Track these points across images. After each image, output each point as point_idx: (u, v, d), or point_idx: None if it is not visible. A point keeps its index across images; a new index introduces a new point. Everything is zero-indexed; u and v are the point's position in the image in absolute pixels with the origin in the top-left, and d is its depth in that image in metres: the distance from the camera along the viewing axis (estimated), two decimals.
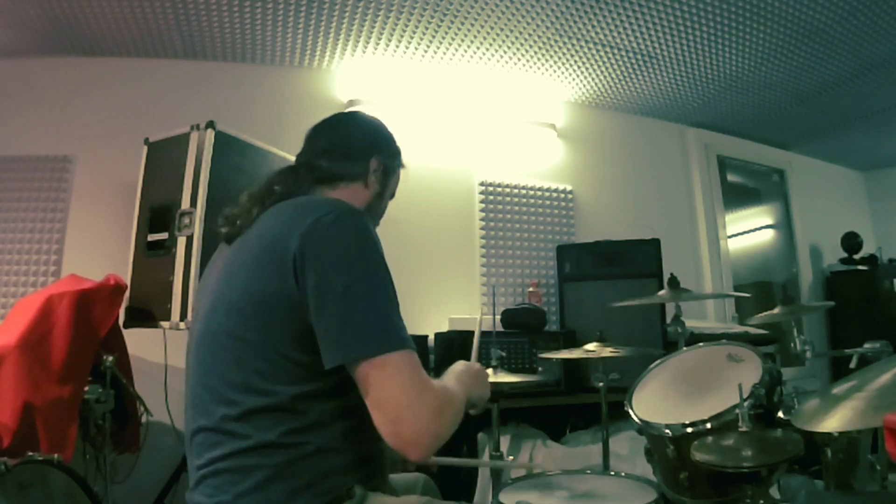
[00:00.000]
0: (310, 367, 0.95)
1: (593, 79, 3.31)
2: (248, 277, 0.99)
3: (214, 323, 1.02)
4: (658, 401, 1.57)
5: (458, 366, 1.19)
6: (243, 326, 0.97)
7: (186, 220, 2.07)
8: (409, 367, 0.93)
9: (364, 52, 2.92)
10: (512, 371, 2.18)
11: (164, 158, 2.24)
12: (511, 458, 1.83)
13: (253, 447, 0.94)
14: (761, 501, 1.22)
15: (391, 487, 1.15)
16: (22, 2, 2.36)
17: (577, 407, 2.73)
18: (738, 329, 3.08)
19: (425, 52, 2.95)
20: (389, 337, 0.93)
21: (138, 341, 2.26)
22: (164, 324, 2.06)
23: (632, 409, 1.55)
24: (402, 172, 1.34)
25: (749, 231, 4.34)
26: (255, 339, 0.96)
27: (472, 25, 2.75)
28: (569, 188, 3.50)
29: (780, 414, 1.34)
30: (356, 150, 1.22)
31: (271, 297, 0.95)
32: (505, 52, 2.99)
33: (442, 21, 2.70)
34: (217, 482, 0.96)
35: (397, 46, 2.88)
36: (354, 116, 1.36)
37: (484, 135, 3.34)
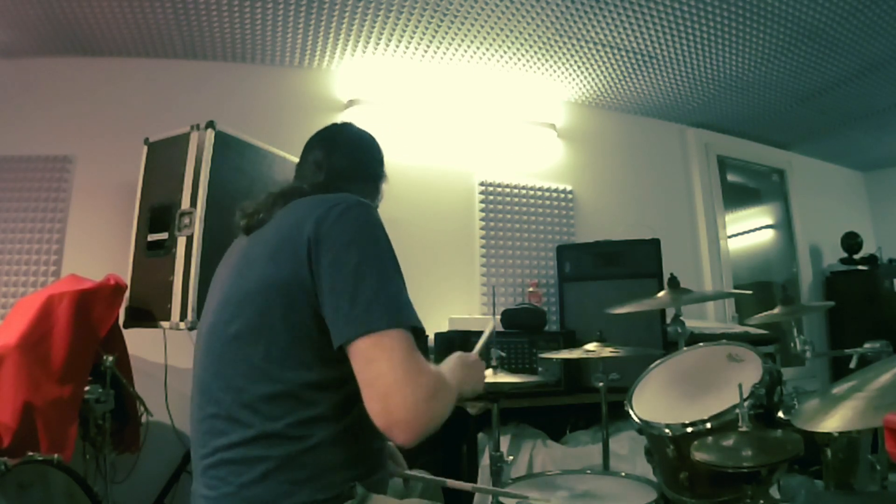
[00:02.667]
0: (319, 355, 0.97)
1: (593, 79, 3.31)
2: (263, 266, 1.02)
3: (227, 313, 1.04)
4: (658, 401, 1.57)
5: (453, 358, 1.19)
6: (255, 313, 0.99)
7: (186, 220, 2.07)
8: (406, 346, 0.93)
9: (364, 52, 2.92)
10: (512, 371, 2.18)
11: (164, 158, 2.24)
12: (511, 457, 1.83)
13: (258, 436, 0.95)
14: (761, 501, 1.22)
15: (393, 486, 1.16)
16: (22, 2, 2.36)
17: (577, 407, 2.73)
18: (738, 329, 3.08)
19: (425, 52, 2.95)
20: (393, 313, 0.94)
21: (138, 341, 2.26)
22: (164, 324, 2.06)
23: (632, 409, 1.55)
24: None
25: (749, 231, 4.34)
26: (266, 325, 0.98)
27: (472, 25, 2.75)
28: (569, 188, 3.50)
29: (780, 414, 1.34)
30: (371, 173, 1.32)
31: (283, 283, 0.98)
32: (505, 52, 2.99)
33: (442, 21, 2.70)
34: (221, 473, 0.97)
35: (397, 46, 2.88)
36: (368, 138, 1.37)
37: (484, 135, 3.34)
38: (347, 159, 1.29)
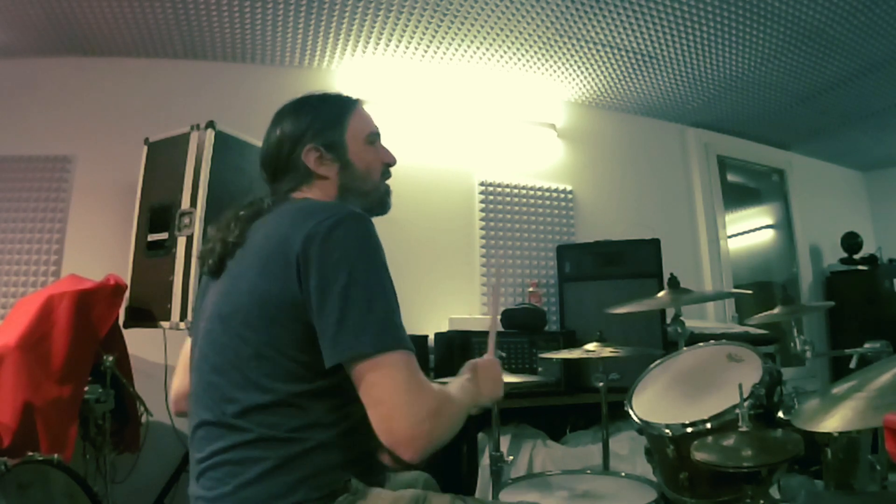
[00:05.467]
0: (311, 367, 0.96)
1: (593, 79, 3.31)
2: (254, 278, 1.00)
3: (219, 322, 1.03)
4: (658, 401, 1.57)
5: (465, 368, 1.17)
6: (247, 326, 0.98)
7: (186, 220, 2.07)
8: (405, 367, 0.93)
9: (364, 52, 2.92)
10: (512, 371, 2.19)
11: (164, 158, 2.24)
12: (511, 457, 1.83)
13: (255, 440, 0.95)
14: (761, 501, 1.22)
15: (392, 483, 1.16)
16: (22, 1, 2.36)
17: (577, 407, 2.73)
18: (738, 329, 3.08)
19: (425, 52, 2.95)
20: (386, 336, 0.93)
21: (138, 341, 2.26)
22: (164, 324, 2.06)
23: (632, 409, 1.55)
24: (364, 113, 1.24)
25: (749, 231, 4.34)
26: (257, 338, 0.97)
27: (472, 25, 2.74)
28: (569, 188, 3.50)
29: (780, 414, 1.34)
30: (284, 160, 1.16)
31: (275, 297, 0.97)
32: (505, 52, 2.99)
33: (442, 21, 2.70)
34: (218, 474, 0.97)
35: (397, 46, 2.88)
36: (275, 119, 1.22)
37: (484, 135, 3.34)
38: (261, 163, 1.20)
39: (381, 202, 1.24)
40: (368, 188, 1.21)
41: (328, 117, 1.19)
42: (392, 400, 0.91)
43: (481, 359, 1.22)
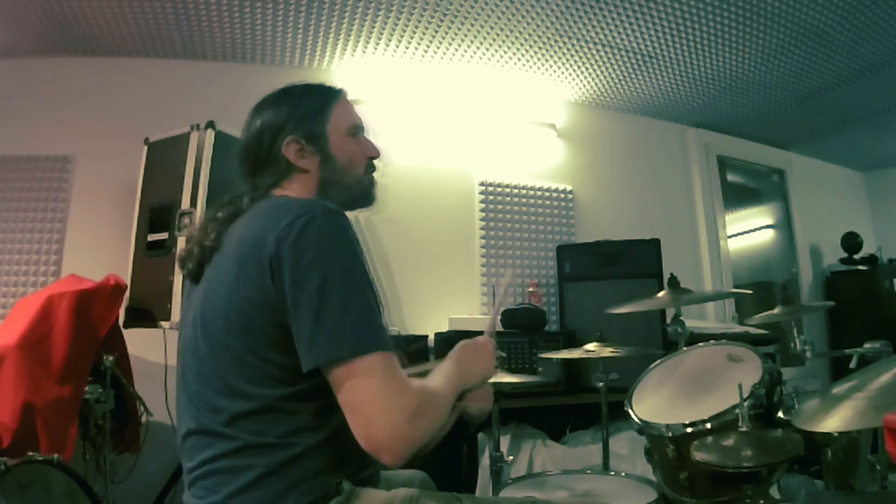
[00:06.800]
0: (293, 369, 0.94)
1: (593, 79, 3.30)
2: (230, 284, 0.98)
3: (200, 329, 1.02)
4: (658, 401, 1.57)
5: (454, 351, 1.13)
6: (227, 332, 0.96)
7: (186, 220, 2.07)
8: (381, 369, 0.90)
9: (364, 52, 2.92)
10: (512, 371, 2.19)
11: (164, 158, 2.24)
12: (511, 457, 1.84)
13: (243, 447, 0.95)
14: (761, 501, 1.22)
15: (385, 480, 1.15)
16: (23, 2, 2.36)
17: (577, 407, 2.73)
18: (738, 329, 3.08)
19: (425, 52, 2.95)
20: (361, 339, 0.91)
21: (138, 341, 2.27)
22: (164, 324, 2.06)
23: (632, 409, 1.55)
24: (347, 104, 1.21)
25: (749, 231, 4.34)
26: (238, 344, 0.96)
27: (472, 25, 2.74)
28: (569, 188, 3.50)
29: (780, 414, 1.34)
30: (265, 153, 1.13)
31: (252, 302, 0.95)
32: (505, 52, 2.99)
33: (442, 21, 2.70)
34: (208, 483, 0.97)
35: (397, 46, 2.88)
36: (255, 110, 1.21)
37: (484, 135, 3.34)
38: (239, 158, 1.18)
39: (364, 195, 1.21)
40: (350, 182, 1.18)
41: (310, 108, 1.16)
42: (369, 405, 0.88)
43: (472, 340, 1.18)
